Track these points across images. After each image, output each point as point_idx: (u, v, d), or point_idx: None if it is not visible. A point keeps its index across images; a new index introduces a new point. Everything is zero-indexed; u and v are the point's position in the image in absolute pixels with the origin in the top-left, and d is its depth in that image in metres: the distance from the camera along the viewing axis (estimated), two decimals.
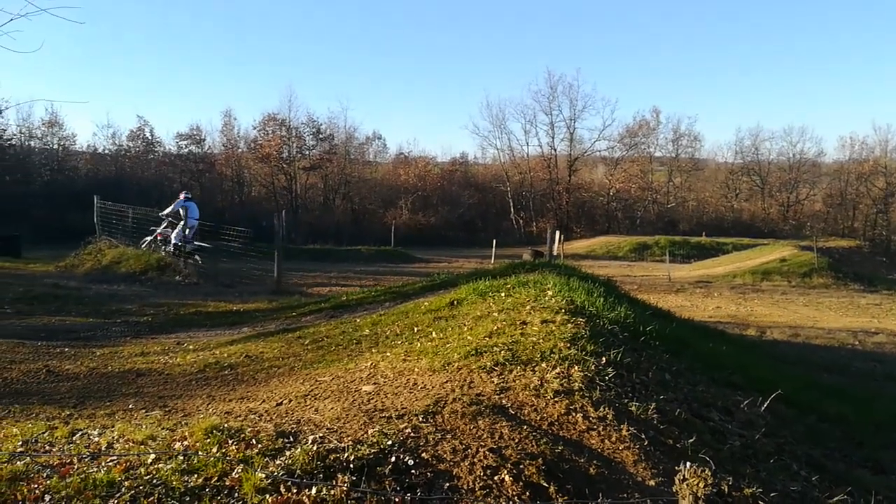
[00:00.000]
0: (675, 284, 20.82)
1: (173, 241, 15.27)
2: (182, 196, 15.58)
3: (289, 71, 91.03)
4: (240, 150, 45.70)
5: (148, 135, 43.23)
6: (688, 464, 2.16)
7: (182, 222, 15.28)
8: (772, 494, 3.39)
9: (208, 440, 3.23)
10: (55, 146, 40.77)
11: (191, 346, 7.28)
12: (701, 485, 2.10)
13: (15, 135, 38.20)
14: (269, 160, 43.24)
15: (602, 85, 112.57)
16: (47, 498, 2.70)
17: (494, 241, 25.50)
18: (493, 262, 21.72)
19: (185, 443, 3.26)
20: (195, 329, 8.84)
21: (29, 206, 31.29)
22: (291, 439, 3.23)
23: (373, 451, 3.01)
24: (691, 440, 3.64)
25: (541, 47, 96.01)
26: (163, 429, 3.62)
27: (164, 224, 15.78)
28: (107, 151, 42.47)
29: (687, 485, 2.13)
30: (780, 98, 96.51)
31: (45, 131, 40.33)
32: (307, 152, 45.72)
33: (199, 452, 3.06)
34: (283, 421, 3.72)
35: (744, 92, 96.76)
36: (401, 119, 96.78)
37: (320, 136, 46.08)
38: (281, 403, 4.31)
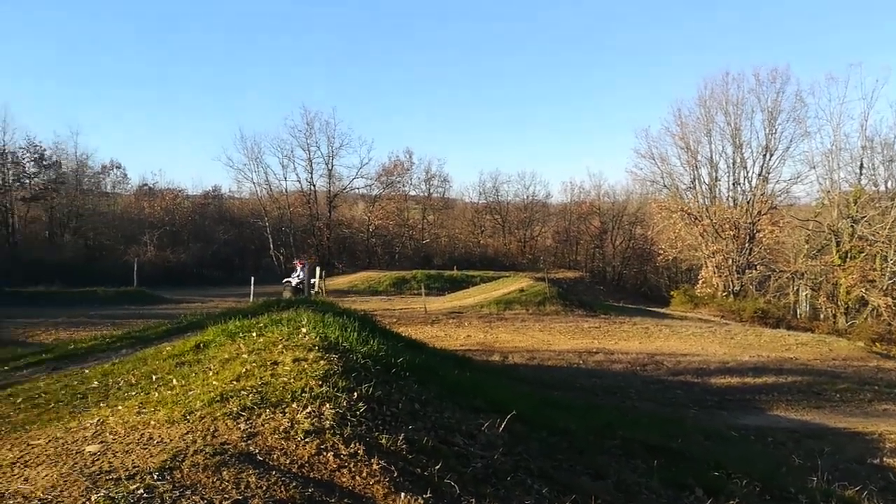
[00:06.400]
0: (430, 316, 21.86)
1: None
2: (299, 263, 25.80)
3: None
4: None
5: None
6: (402, 494, 2.23)
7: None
8: None
9: None
10: None
11: None
12: None
13: None
14: None
15: (358, 125, 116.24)
16: None
17: (253, 279, 24.36)
18: (251, 300, 20.77)
19: None
20: None
21: None
22: None
23: None
24: (437, 467, 3.77)
25: (296, 83, 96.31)
26: None
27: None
28: None
29: None
30: (515, 146, 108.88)
31: None
32: (27, 181, 39.61)
33: None
34: None
35: (485, 138, 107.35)
36: (144, 148, 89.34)
37: (44, 162, 40.20)
38: None
